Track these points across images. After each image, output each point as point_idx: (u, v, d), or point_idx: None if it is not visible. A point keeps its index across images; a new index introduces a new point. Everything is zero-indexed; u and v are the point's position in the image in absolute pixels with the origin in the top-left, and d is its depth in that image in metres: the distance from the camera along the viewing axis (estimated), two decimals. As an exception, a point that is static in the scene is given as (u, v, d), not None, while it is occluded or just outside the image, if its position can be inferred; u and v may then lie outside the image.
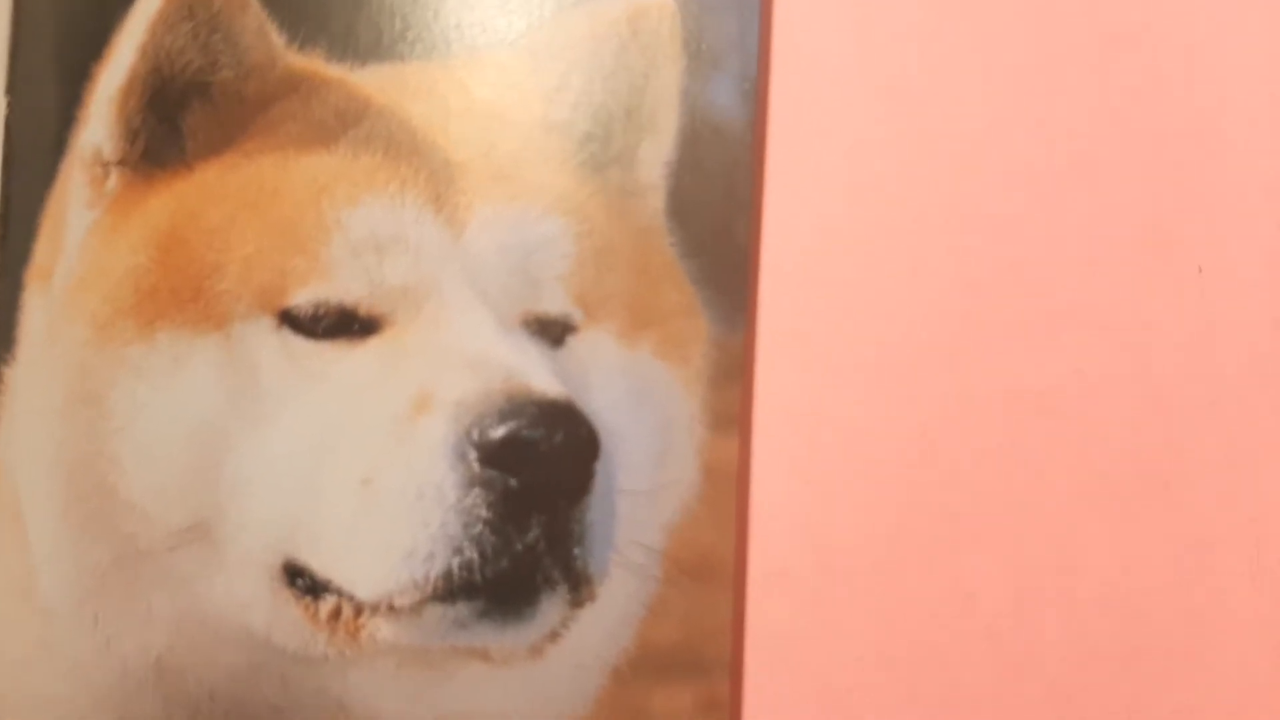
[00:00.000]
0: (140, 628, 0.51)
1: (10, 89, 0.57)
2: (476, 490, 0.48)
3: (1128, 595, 0.52)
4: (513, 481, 0.48)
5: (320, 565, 0.49)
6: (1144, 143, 0.53)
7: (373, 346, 0.50)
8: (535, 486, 0.48)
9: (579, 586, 0.49)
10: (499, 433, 0.48)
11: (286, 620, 0.50)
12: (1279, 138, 0.53)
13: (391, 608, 0.48)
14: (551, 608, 0.49)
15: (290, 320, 0.50)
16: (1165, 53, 0.53)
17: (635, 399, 0.52)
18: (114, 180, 0.52)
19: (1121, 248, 0.53)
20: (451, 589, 0.48)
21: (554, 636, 0.50)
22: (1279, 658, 0.52)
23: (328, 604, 0.49)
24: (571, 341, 0.52)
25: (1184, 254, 0.53)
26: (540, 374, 0.49)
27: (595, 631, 0.51)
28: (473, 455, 0.48)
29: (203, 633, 0.51)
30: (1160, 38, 0.53)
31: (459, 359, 0.49)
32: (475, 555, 0.48)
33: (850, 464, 0.52)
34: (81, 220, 0.53)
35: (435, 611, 0.48)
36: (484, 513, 0.48)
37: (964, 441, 0.52)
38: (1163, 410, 0.52)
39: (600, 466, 0.49)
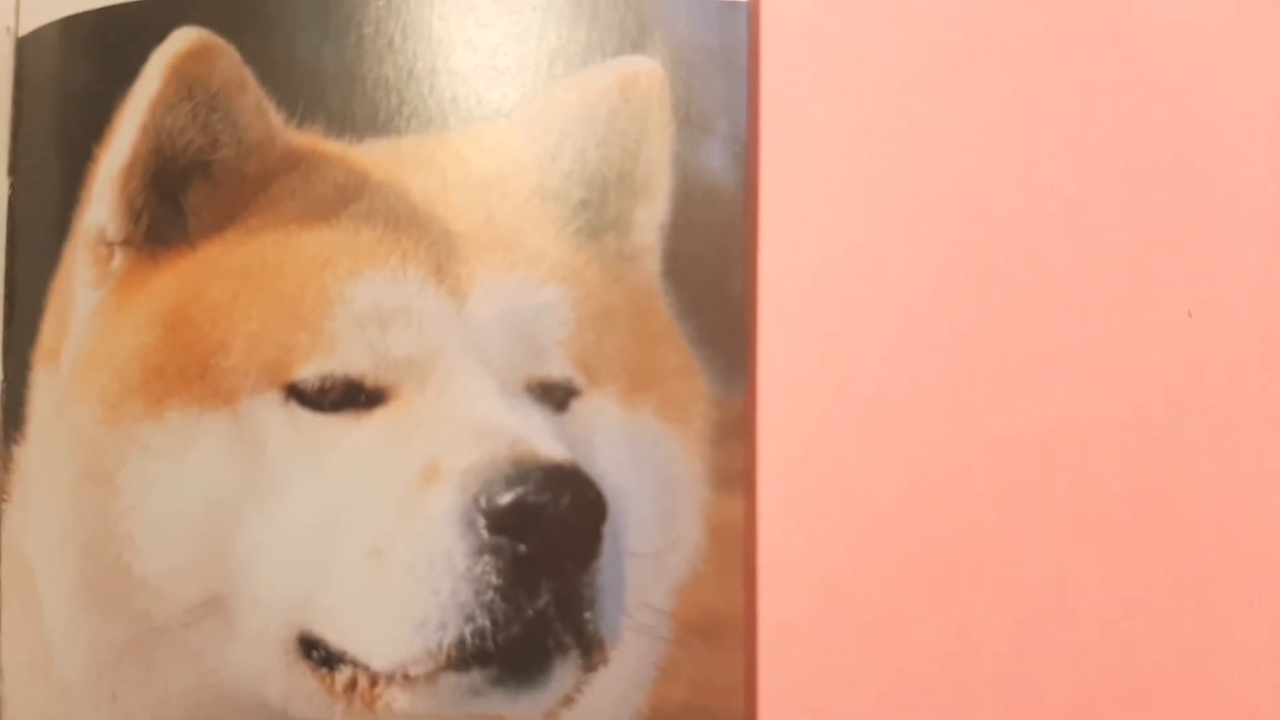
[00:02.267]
0: (158, 703, 0.52)
1: (12, 170, 0.58)
2: (486, 557, 0.48)
3: (1128, 635, 0.52)
4: (521, 547, 0.48)
5: (334, 636, 0.50)
6: (1131, 189, 0.54)
7: (379, 418, 0.51)
8: (544, 552, 0.49)
9: (591, 650, 0.50)
10: (506, 499, 0.48)
11: (303, 692, 0.50)
12: (1266, 182, 0.54)
13: (407, 677, 0.49)
14: (564, 672, 0.50)
15: (297, 394, 0.51)
16: (1151, 97, 0.54)
17: (639, 461, 0.52)
18: (119, 260, 0.53)
19: (1112, 294, 0.54)
20: (465, 657, 0.48)
21: (568, 701, 0.50)
22: (1279, 692, 0.53)
23: (343, 675, 0.50)
24: (575, 405, 0.52)
25: (1174, 299, 0.54)
26: (545, 439, 0.50)
27: (608, 695, 0.51)
28: (481, 523, 0.48)
29: (220, 706, 0.51)
30: (1145, 82, 0.54)
31: (465, 427, 0.50)
32: (487, 622, 0.48)
33: (854, 517, 0.52)
34: (87, 300, 0.53)
35: (450, 680, 0.49)
36: (494, 579, 0.48)
37: (964, 489, 0.53)
38: (1157, 451, 0.53)
39: (608, 529, 0.50)
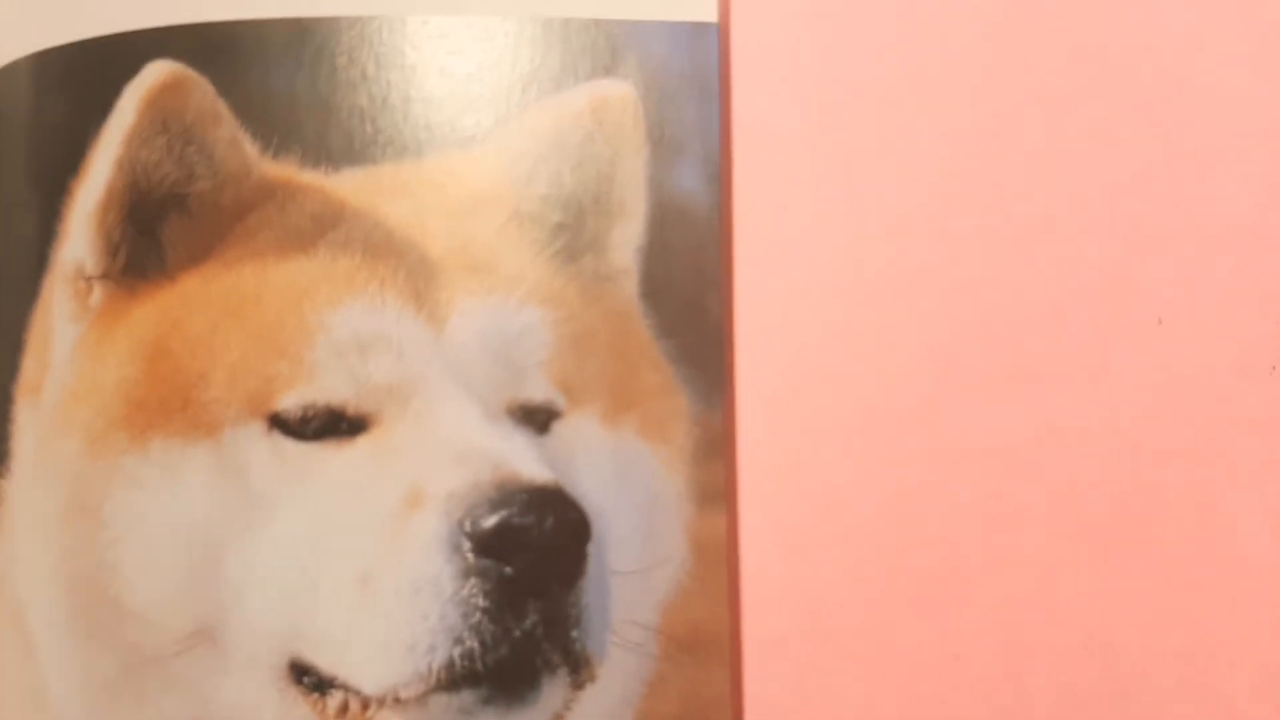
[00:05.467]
0: (151, 734, 0.52)
1: (-12, 205, 0.58)
2: (473, 580, 0.49)
3: (1110, 641, 0.53)
4: (507, 569, 0.49)
5: (325, 662, 0.50)
6: (1102, 198, 0.55)
7: (362, 445, 0.51)
8: (530, 573, 0.49)
9: (579, 668, 0.50)
10: (490, 522, 0.49)
11: (295, 717, 0.51)
12: (1235, 189, 0.55)
13: (398, 700, 0.49)
14: (553, 691, 0.50)
15: (279, 424, 0.51)
16: (1119, 108, 0.55)
17: (621, 480, 0.53)
18: (97, 294, 0.53)
19: (1083, 304, 0.55)
20: (454, 678, 0.49)
21: (557, 719, 0.51)
22: (1258, 691, 0.54)
23: (335, 700, 0.50)
24: (556, 427, 0.53)
25: (1144, 307, 0.55)
26: (528, 461, 0.51)
27: (597, 712, 0.52)
28: (466, 546, 0.49)
29: (213, 735, 0.52)
30: (1114, 92, 0.55)
31: (448, 452, 0.51)
32: (476, 644, 0.49)
33: (835, 530, 0.53)
34: (67, 334, 0.53)
35: (440, 701, 0.49)
36: (481, 602, 0.49)
37: (943, 501, 0.53)
38: (1132, 458, 0.54)
39: (592, 549, 0.50)
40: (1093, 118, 0.55)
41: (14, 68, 0.57)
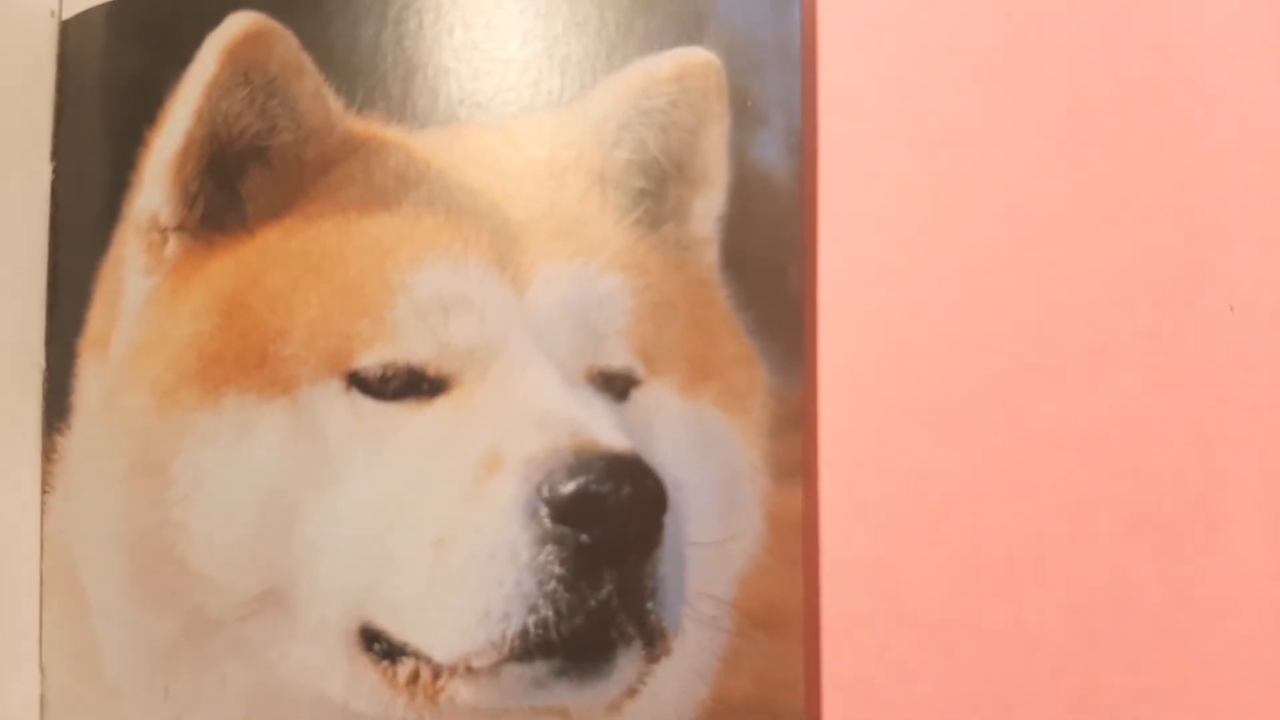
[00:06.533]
0: (214, 700, 0.51)
1: (55, 155, 0.57)
2: (549, 547, 0.48)
3: (1181, 626, 0.53)
4: (584, 537, 0.48)
5: (397, 628, 0.49)
6: (1175, 187, 0.55)
7: (441, 406, 0.50)
8: (607, 541, 0.48)
9: (654, 641, 0.49)
10: (569, 489, 0.48)
11: (364, 685, 0.50)
12: (1311, 181, 0.55)
13: (470, 669, 0.48)
14: (628, 663, 0.49)
15: (358, 382, 0.50)
16: (1191, 99, 0.55)
17: (699, 451, 0.52)
18: (173, 246, 0.52)
19: (1157, 291, 0.54)
20: (528, 648, 0.48)
21: (631, 692, 0.50)
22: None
23: (406, 667, 0.49)
24: (635, 395, 0.52)
25: (1216, 294, 0.55)
26: (606, 428, 0.50)
27: (671, 686, 0.51)
28: (544, 512, 0.48)
29: (278, 702, 0.51)
30: (1185, 84, 0.55)
31: (527, 416, 0.50)
32: (550, 613, 0.48)
33: (913, 508, 0.53)
34: (139, 287, 0.52)
35: (513, 671, 0.48)
36: (557, 569, 0.48)
37: (1020, 481, 0.53)
38: (1203, 445, 0.54)
39: (669, 519, 0.49)
40: (1172, 105, 0.55)
41: (86, 16, 0.56)
